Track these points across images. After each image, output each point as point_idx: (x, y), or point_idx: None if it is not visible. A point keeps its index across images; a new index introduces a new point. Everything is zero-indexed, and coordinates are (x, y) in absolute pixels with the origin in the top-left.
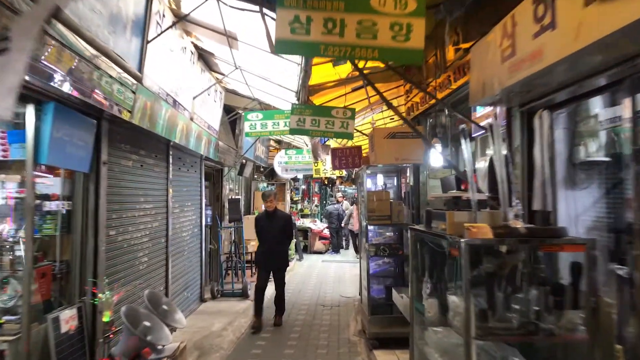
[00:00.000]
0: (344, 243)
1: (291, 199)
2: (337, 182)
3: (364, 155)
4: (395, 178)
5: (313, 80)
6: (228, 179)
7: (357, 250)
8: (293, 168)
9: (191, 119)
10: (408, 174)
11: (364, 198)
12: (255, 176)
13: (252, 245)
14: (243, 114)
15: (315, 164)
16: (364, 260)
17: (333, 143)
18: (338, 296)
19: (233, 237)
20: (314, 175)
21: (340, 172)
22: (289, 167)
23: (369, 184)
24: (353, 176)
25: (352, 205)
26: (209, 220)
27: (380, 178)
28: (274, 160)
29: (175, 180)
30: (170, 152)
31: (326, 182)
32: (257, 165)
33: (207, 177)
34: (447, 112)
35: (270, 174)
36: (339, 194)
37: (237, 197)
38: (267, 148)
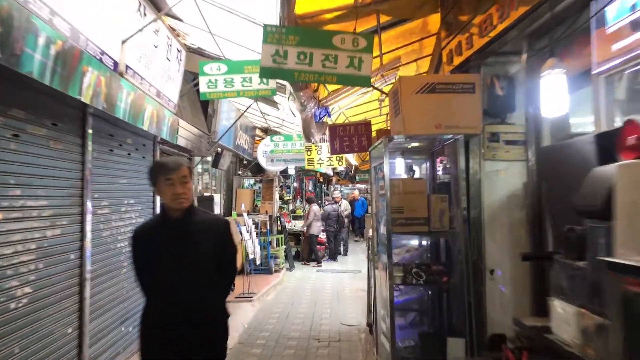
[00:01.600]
0: (341, 249)
1: (281, 197)
2: (334, 179)
3: (377, 133)
4: (426, 164)
5: (303, 7)
6: (200, 173)
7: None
8: (280, 158)
9: (121, 75)
10: (448, 155)
11: (383, 190)
12: (240, 172)
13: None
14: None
15: (309, 153)
16: (383, 288)
17: (335, 117)
18: (338, 323)
19: None
20: (306, 167)
21: (339, 162)
22: (275, 157)
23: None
24: (352, 172)
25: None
26: None
27: (399, 165)
28: (257, 150)
29: (101, 167)
30: (90, 123)
31: (321, 180)
32: (240, 157)
33: None
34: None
35: (258, 169)
36: (337, 193)
37: (210, 194)
38: (251, 138)
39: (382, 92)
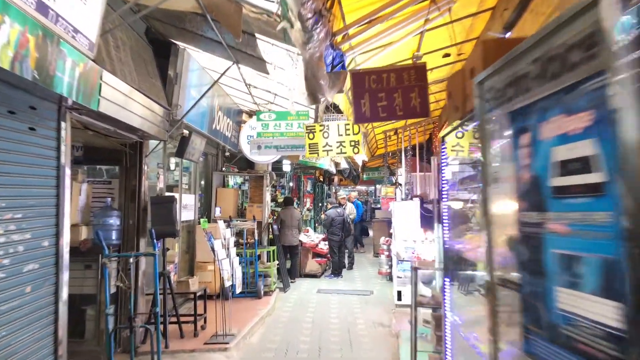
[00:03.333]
0: (346, 261)
1: (274, 199)
2: (335, 179)
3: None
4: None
5: None
6: (162, 165)
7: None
8: (271, 144)
9: None
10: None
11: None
12: (224, 168)
13: (197, 279)
14: (182, 47)
15: (311, 136)
16: None
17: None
18: None
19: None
20: (307, 155)
21: (355, 148)
22: (263, 142)
23: None
24: (359, 171)
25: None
26: (114, 236)
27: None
28: (240, 135)
29: None
30: None
31: (321, 179)
32: (221, 148)
33: (109, 157)
34: None
35: (247, 164)
36: (342, 193)
37: (170, 195)
38: (236, 124)
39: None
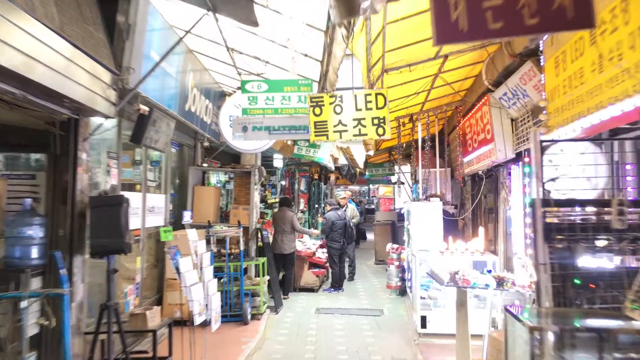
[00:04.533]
0: (346, 271)
1: (264, 200)
2: (332, 177)
3: None
4: None
5: None
6: (118, 155)
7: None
8: (261, 125)
9: None
10: None
11: None
12: (206, 163)
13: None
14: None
15: (316, 110)
16: None
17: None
18: None
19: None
20: (313, 140)
21: (380, 126)
22: (250, 121)
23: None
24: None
25: None
26: (34, 254)
27: None
28: (220, 115)
29: None
30: None
31: (316, 176)
32: (198, 138)
33: (31, 141)
34: None
35: (232, 158)
36: (342, 193)
37: (118, 194)
38: (218, 108)
39: None
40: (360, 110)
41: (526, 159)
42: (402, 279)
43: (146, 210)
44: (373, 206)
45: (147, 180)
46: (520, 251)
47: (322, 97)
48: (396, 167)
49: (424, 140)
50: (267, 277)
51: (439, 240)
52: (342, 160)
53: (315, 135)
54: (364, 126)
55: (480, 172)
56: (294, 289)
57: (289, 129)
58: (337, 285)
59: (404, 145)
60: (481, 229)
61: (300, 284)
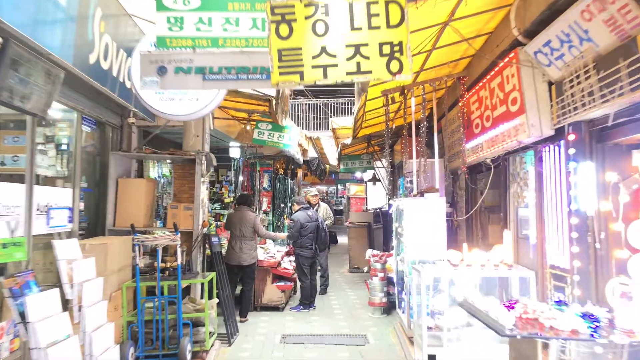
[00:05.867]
0: (318, 283)
1: (220, 199)
2: (299, 173)
3: None
4: None
5: None
6: None
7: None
8: (187, 64)
9: None
10: None
11: None
12: (139, 149)
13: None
14: None
15: (283, 30)
16: None
17: None
18: None
19: None
20: (276, 81)
21: (394, 67)
22: (170, 58)
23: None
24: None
25: None
26: None
27: None
28: (133, 55)
29: None
30: None
31: (282, 172)
32: (126, 114)
33: None
34: None
35: (172, 143)
36: (313, 190)
37: None
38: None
39: None
40: (360, 29)
41: (570, 137)
42: (388, 294)
43: (31, 210)
44: (342, 207)
45: (38, 167)
46: (565, 264)
47: (293, 5)
48: (383, 161)
49: (418, 122)
50: (215, 301)
51: (441, 247)
52: (312, 153)
53: (281, 74)
54: (366, 57)
55: (488, 161)
56: (254, 308)
57: (237, 72)
58: (307, 302)
59: (394, 129)
60: (507, 232)
61: (262, 302)
